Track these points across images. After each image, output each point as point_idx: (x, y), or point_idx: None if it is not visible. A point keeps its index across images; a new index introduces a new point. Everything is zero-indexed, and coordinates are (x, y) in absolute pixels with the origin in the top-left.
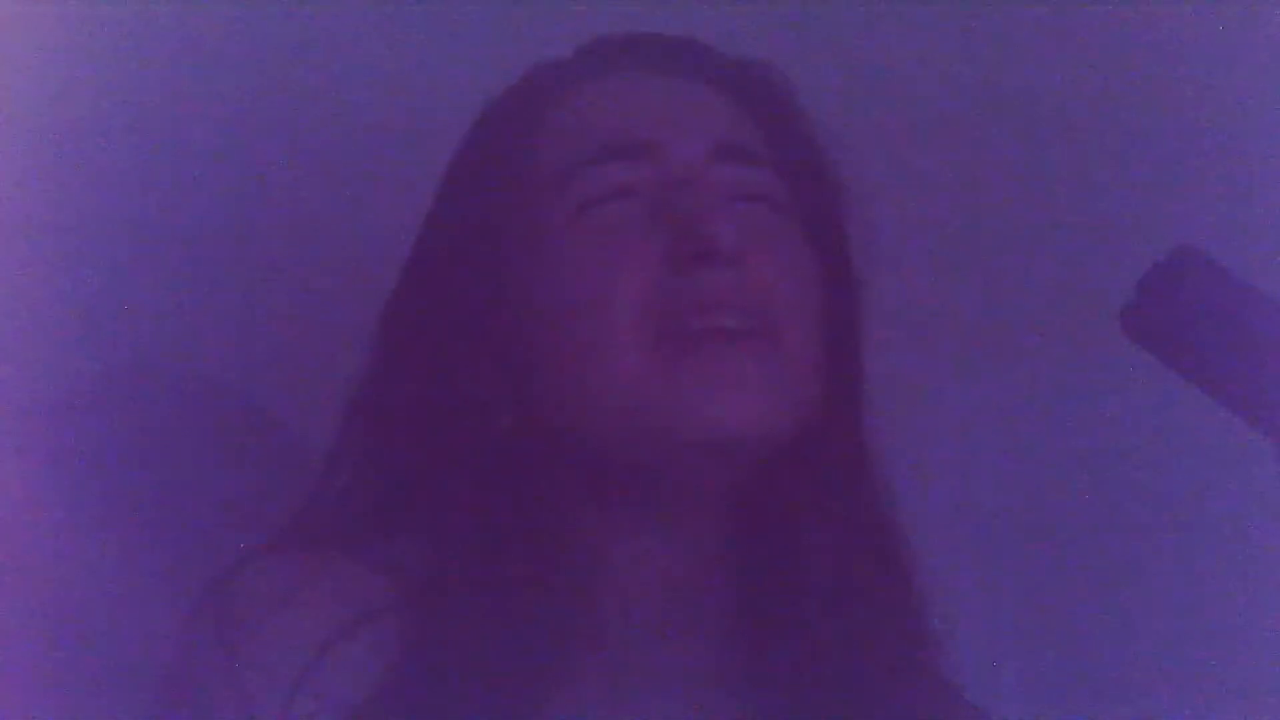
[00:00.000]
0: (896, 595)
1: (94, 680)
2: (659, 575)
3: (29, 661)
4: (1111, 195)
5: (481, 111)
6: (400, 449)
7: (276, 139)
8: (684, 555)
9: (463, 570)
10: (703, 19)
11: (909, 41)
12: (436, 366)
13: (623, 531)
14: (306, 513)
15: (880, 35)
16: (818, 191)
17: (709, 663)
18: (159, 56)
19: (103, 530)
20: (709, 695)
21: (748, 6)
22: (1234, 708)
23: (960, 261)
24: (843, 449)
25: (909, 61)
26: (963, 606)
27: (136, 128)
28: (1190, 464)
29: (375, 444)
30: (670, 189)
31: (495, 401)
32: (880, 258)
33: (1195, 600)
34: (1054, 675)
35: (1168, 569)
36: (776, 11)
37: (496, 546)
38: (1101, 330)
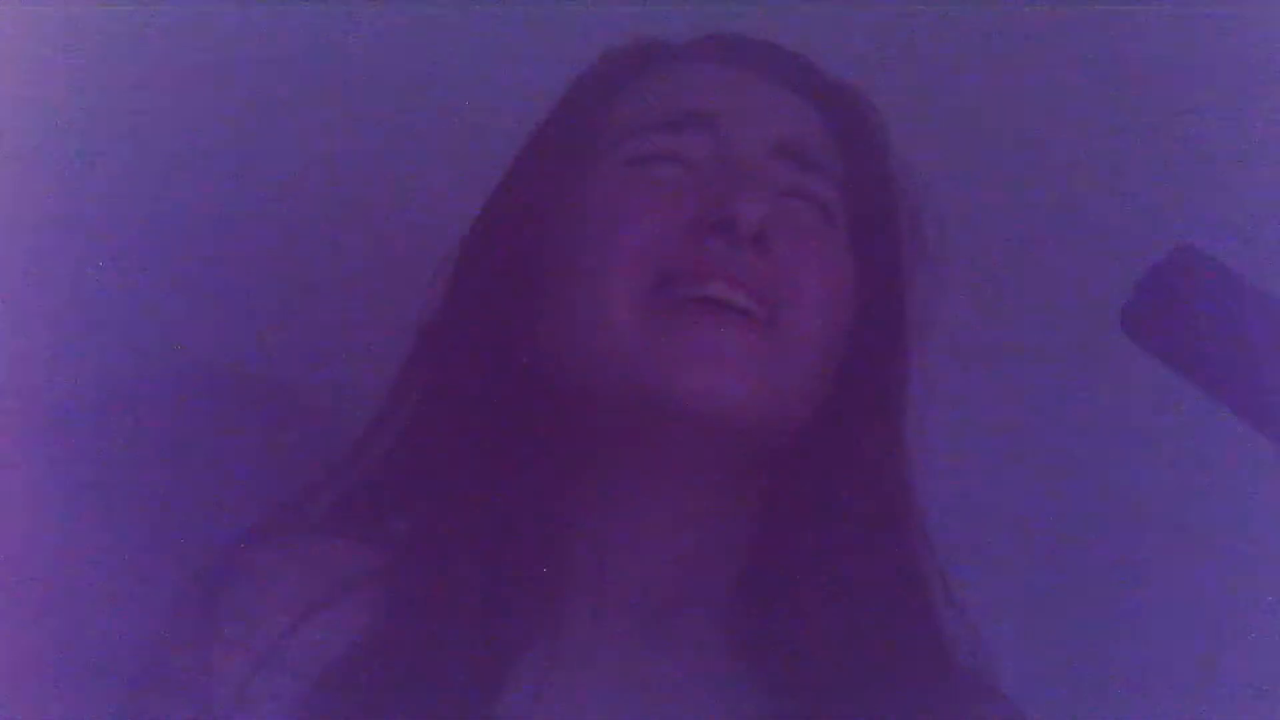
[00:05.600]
0: (906, 592)
1: (89, 674)
2: (659, 554)
3: (28, 654)
4: (1111, 195)
5: (565, 88)
6: (439, 423)
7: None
8: (686, 535)
9: (446, 538)
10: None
11: (909, 40)
12: (481, 345)
13: (621, 506)
14: (299, 497)
15: (881, 34)
16: (881, 213)
17: (707, 640)
18: (165, 52)
19: (104, 527)
20: (703, 676)
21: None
22: (1234, 708)
23: (960, 261)
24: (859, 450)
25: (909, 60)
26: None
27: (143, 123)
28: (1190, 464)
29: (420, 415)
30: (721, 164)
31: (514, 361)
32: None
33: (1195, 601)
34: (1053, 675)
35: (1167, 569)
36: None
37: (487, 517)
38: (1101, 330)
